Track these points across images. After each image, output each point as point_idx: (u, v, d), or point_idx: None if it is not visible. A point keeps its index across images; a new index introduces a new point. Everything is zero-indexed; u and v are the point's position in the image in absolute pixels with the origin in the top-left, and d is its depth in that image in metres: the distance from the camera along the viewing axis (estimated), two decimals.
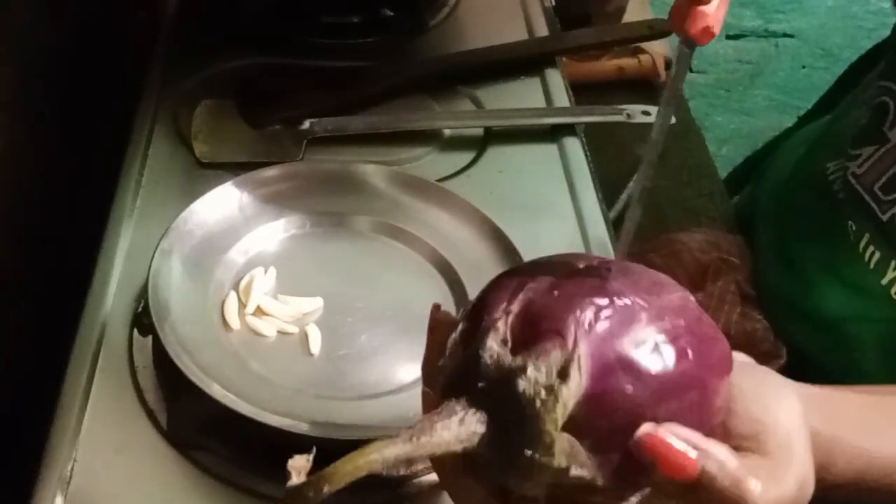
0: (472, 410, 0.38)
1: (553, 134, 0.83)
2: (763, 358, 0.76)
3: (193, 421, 0.59)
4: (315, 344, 0.63)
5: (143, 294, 0.65)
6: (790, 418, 0.42)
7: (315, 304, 0.66)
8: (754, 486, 0.38)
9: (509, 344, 0.38)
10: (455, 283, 0.68)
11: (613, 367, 0.37)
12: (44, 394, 0.62)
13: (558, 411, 0.36)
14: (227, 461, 0.58)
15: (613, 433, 0.37)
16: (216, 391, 0.57)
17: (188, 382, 0.57)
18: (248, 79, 0.86)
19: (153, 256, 0.65)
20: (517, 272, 0.42)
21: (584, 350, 0.37)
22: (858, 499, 0.48)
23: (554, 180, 0.79)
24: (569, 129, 0.83)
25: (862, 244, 0.68)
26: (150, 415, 0.60)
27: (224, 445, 0.59)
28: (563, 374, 0.36)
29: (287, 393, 0.60)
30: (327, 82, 0.85)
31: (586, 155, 0.82)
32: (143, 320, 0.65)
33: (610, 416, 0.37)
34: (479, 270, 0.67)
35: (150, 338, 0.64)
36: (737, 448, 0.40)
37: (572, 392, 0.36)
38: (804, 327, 0.75)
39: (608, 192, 0.87)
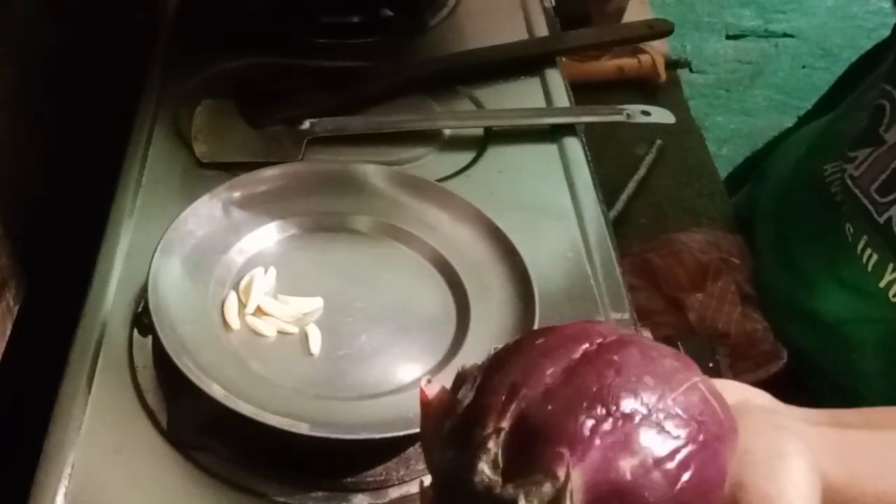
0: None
1: (553, 134, 0.83)
2: (763, 358, 0.76)
3: (193, 421, 0.59)
4: (315, 344, 0.63)
5: (143, 294, 0.65)
6: (798, 486, 0.41)
7: (315, 304, 0.66)
8: None
9: (500, 467, 0.37)
10: (455, 283, 0.68)
11: (608, 500, 0.36)
12: (44, 394, 0.62)
13: None
14: (227, 461, 0.58)
15: None
16: (216, 391, 0.57)
17: (188, 382, 0.57)
18: (248, 79, 0.85)
19: (153, 256, 0.65)
20: (512, 361, 0.40)
21: (577, 481, 0.36)
22: None
23: (554, 180, 0.79)
24: (569, 129, 0.83)
25: (860, 246, 0.68)
26: (150, 415, 0.60)
27: (224, 445, 0.59)
28: None
29: (287, 393, 0.60)
30: (327, 82, 0.85)
31: (586, 155, 0.82)
32: (143, 320, 0.65)
33: None
34: (479, 270, 0.67)
35: (150, 338, 0.64)
36: None
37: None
38: (804, 328, 0.75)
39: (608, 192, 0.87)
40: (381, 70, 0.87)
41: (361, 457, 0.59)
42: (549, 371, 0.39)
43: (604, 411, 0.37)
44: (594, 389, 0.37)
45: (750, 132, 1.99)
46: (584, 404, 0.37)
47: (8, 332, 0.74)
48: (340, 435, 0.56)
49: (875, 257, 0.66)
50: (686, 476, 0.37)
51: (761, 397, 0.46)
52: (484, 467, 0.37)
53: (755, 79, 2.12)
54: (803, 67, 2.15)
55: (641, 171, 1.08)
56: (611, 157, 1.06)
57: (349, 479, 0.58)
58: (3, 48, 0.74)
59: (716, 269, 0.80)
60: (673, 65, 1.25)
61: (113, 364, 0.63)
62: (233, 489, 0.57)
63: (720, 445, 0.39)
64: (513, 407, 0.38)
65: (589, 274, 0.71)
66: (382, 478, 0.58)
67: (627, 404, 0.37)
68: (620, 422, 0.37)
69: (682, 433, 0.37)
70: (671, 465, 0.37)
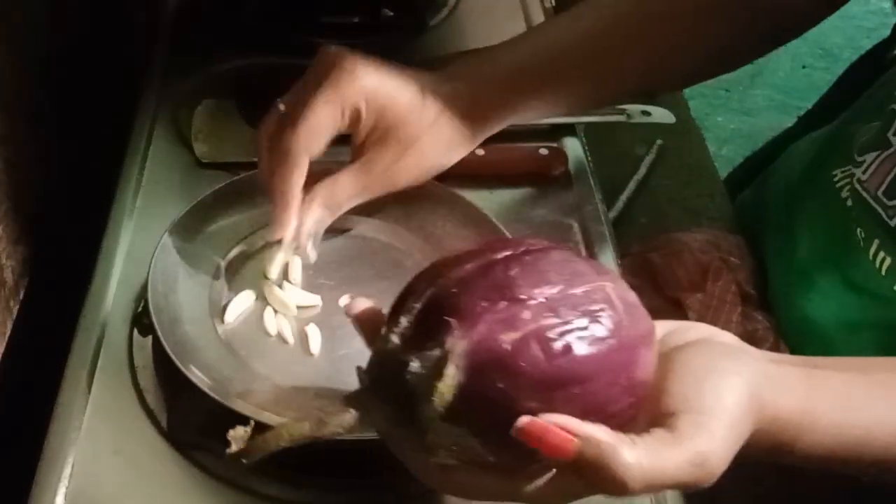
0: (373, 399, 0.43)
1: (553, 134, 0.83)
2: None
3: (193, 421, 0.59)
4: (315, 344, 0.63)
5: (143, 294, 0.65)
6: (722, 401, 0.42)
7: (313, 300, 0.66)
8: (627, 456, 0.40)
9: (407, 337, 0.43)
10: None
11: (487, 365, 0.40)
12: (44, 394, 0.62)
13: (436, 400, 0.41)
14: (227, 461, 0.58)
15: (496, 423, 0.40)
16: (216, 391, 0.57)
17: (188, 382, 0.57)
18: (248, 79, 0.85)
19: (153, 256, 0.65)
20: (446, 262, 0.45)
21: (461, 348, 0.41)
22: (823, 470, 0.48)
23: (554, 180, 0.79)
24: (569, 129, 0.83)
25: (872, 250, 0.67)
26: (150, 415, 0.60)
27: (224, 445, 0.58)
28: (440, 369, 0.41)
29: (287, 393, 0.60)
30: None
31: (586, 155, 0.82)
32: (143, 320, 0.65)
33: (484, 407, 0.41)
34: None
35: (150, 338, 0.64)
36: (657, 424, 0.42)
37: (448, 384, 0.40)
38: (812, 338, 0.75)
39: (608, 192, 0.87)
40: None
41: (361, 457, 0.58)
42: (468, 266, 0.43)
43: (499, 296, 0.41)
44: (498, 278, 0.42)
45: (750, 132, 1.99)
46: (484, 289, 0.41)
47: (8, 333, 0.74)
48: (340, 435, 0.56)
49: (888, 261, 0.66)
50: (567, 357, 0.40)
51: (727, 336, 0.48)
52: (393, 337, 0.43)
53: (755, 79, 2.11)
54: (803, 67, 2.15)
55: (641, 171, 1.08)
56: (611, 157, 1.05)
57: (349, 479, 0.58)
58: (3, 48, 0.74)
59: (716, 270, 0.80)
60: None
61: (113, 364, 0.63)
62: (233, 489, 0.57)
63: (616, 342, 0.42)
64: (428, 291, 0.43)
65: None
66: (382, 477, 0.58)
67: (524, 292, 0.41)
68: (513, 305, 0.41)
69: (572, 320, 0.41)
70: (552, 344, 0.40)
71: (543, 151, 0.79)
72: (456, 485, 0.45)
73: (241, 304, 0.66)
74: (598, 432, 0.40)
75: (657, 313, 0.47)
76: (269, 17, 0.92)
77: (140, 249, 0.69)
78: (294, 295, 0.66)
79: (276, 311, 0.66)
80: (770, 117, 2.03)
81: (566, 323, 0.41)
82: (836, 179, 0.73)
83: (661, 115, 0.84)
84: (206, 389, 0.57)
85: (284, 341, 0.64)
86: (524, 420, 0.40)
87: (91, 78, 0.92)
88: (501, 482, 0.44)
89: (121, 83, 0.91)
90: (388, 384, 0.43)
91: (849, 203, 0.70)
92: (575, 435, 0.40)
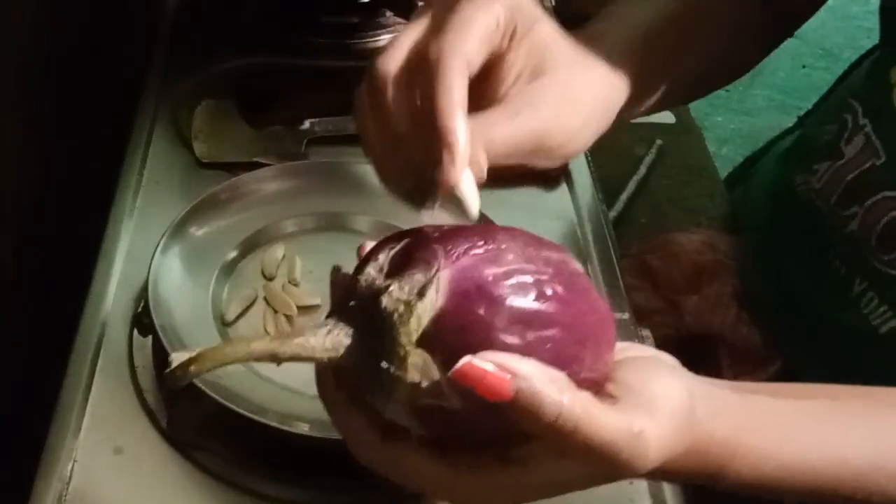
0: (341, 325, 0.41)
1: None
2: (759, 360, 0.76)
3: (193, 421, 0.59)
4: None
5: (143, 294, 0.65)
6: (667, 392, 0.42)
7: (313, 300, 0.66)
8: (564, 397, 0.38)
9: (385, 271, 0.42)
10: None
11: (469, 291, 0.40)
12: (44, 394, 0.62)
13: (412, 325, 0.39)
14: (227, 461, 0.58)
15: (463, 351, 0.39)
16: (216, 391, 0.57)
17: (188, 382, 0.57)
18: (248, 79, 0.86)
19: (153, 256, 0.65)
20: (420, 229, 0.45)
21: (445, 275, 0.40)
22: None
23: (554, 180, 0.79)
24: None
25: (829, 257, 0.68)
26: (150, 415, 0.60)
27: (224, 445, 0.59)
28: (421, 292, 0.40)
29: (287, 393, 0.60)
30: (327, 82, 0.85)
31: (586, 155, 0.82)
32: (143, 320, 0.65)
33: (460, 333, 0.39)
34: None
35: (150, 338, 0.64)
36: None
37: (427, 307, 0.39)
38: (790, 333, 0.75)
39: (608, 192, 0.87)
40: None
41: None
42: (445, 227, 0.43)
43: (482, 242, 0.41)
44: (478, 231, 0.42)
45: (750, 132, 1.99)
46: (465, 237, 0.41)
47: (8, 333, 0.74)
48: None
49: (843, 269, 0.66)
50: (548, 299, 0.40)
51: (671, 358, 0.47)
52: (370, 270, 0.42)
53: (755, 79, 2.11)
54: (803, 67, 2.15)
55: (641, 171, 1.08)
56: (611, 157, 1.05)
57: (349, 480, 0.58)
58: (3, 48, 0.74)
59: (711, 272, 0.80)
60: None
61: (113, 364, 0.63)
62: (233, 489, 0.57)
63: (592, 305, 0.42)
64: (407, 238, 0.43)
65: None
66: (382, 478, 0.58)
67: (504, 243, 0.42)
68: (496, 249, 0.41)
69: (552, 272, 0.41)
70: (535, 285, 0.40)
71: None
72: (404, 472, 0.43)
73: (241, 304, 0.66)
74: (537, 370, 0.39)
75: (655, 314, 0.47)
76: (269, 17, 0.92)
77: (140, 249, 0.69)
78: (294, 295, 0.66)
79: (275, 311, 0.66)
80: (770, 117, 2.03)
81: (546, 273, 0.41)
82: (797, 185, 0.73)
83: (661, 115, 0.84)
84: (206, 389, 0.57)
85: None
86: (464, 360, 0.38)
87: (91, 78, 0.92)
88: (448, 470, 0.42)
89: (121, 83, 0.91)
90: (362, 310, 0.41)
91: (808, 209, 0.70)
92: (512, 374, 0.38)
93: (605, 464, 0.40)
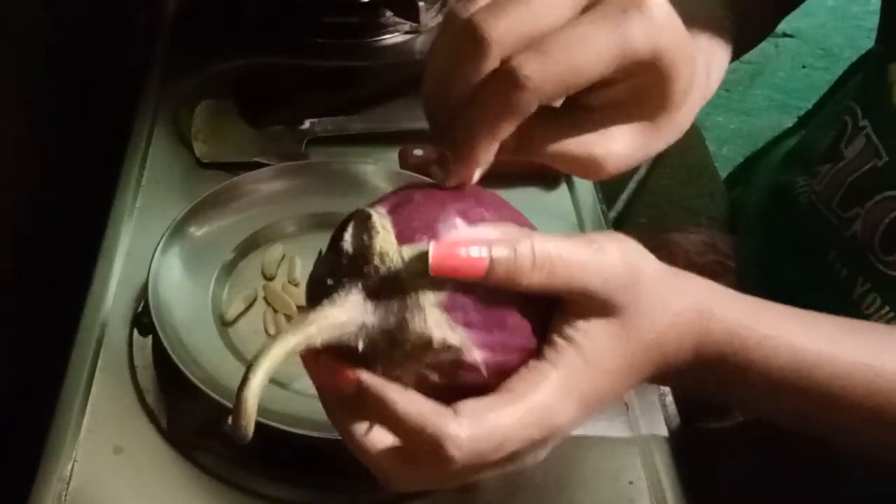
0: (341, 291, 0.40)
1: None
2: None
3: (193, 421, 0.59)
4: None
5: (143, 294, 0.65)
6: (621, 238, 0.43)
7: None
8: (451, 428, 0.38)
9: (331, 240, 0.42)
10: None
11: (406, 195, 0.42)
12: (44, 394, 0.62)
13: (380, 234, 0.40)
14: (227, 461, 0.58)
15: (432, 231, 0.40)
16: (216, 391, 0.57)
17: (188, 382, 0.57)
18: (248, 79, 0.86)
19: (153, 256, 0.65)
20: None
21: (379, 206, 0.41)
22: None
23: (554, 180, 0.79)
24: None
25: (830, 259, 0.68)
26: (150, 415, 0.60)
27: (224, 445, 0.59)
28: (366, 218, 0.40)
29: (287, 393, 0.60)
30: (327, 82, 0.85)
31: None
32: (143, 320, 0.65)
33: (420, 218, 0.41)
34: None
35: (150, 338, 0.64)
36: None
37: (380, 222, 0.40)
38: None
39: (608, 192, 0.87)
40: (381, 70, 0.87)
41: None
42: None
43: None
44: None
45: (750, 132, 1.99)
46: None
47: (8, 333, 0.74)
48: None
49: (844, 271, 0.66)
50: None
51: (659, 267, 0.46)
52: (322, 256, 0.42)
53: (755, 79, 2.11)
54: (803, 67, 2.15)
55: (641, 171, 1.08)
56: None
57: (349, 480, 0.58)
58: (3, 48, 0.74)
59: (711, 272, 0.80)
60: None
61: (113, 364, 0.63)
62: (233, 489, 0.57)
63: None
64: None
65: None
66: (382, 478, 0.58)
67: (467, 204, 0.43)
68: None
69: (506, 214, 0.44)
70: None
71: None
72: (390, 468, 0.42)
73: (241, 304, 0.66)
74: (419, 406, 0.39)
75: None
76: (269, 17, 0.92)
77: (140, 249, 0.69)
78: (294, 295, 0.66)
79: (275, 311, 0.66)
80: (770, 117, 2.02)
81: (501, 209, 0.44)
82: (797, 187, 0.73)
83: None
84: (206, 389, 0.57)
85: None
86: (432, 247, 0.38)
87: (91, 78, 0.92)
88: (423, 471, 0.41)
89: (121, 83, 0.92)
90: (337, 269, 0.41)
91: (807, 212, 0.70)
92: (395, 414, 0.39)
93: (584, 290, 0.40)
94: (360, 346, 0.40)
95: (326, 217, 0.72)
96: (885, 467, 0.49)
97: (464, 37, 0.39)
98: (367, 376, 0.40)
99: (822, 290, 0.69)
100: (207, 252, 0.68)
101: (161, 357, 0.61)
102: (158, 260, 0.65)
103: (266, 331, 0.64)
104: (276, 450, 0.58)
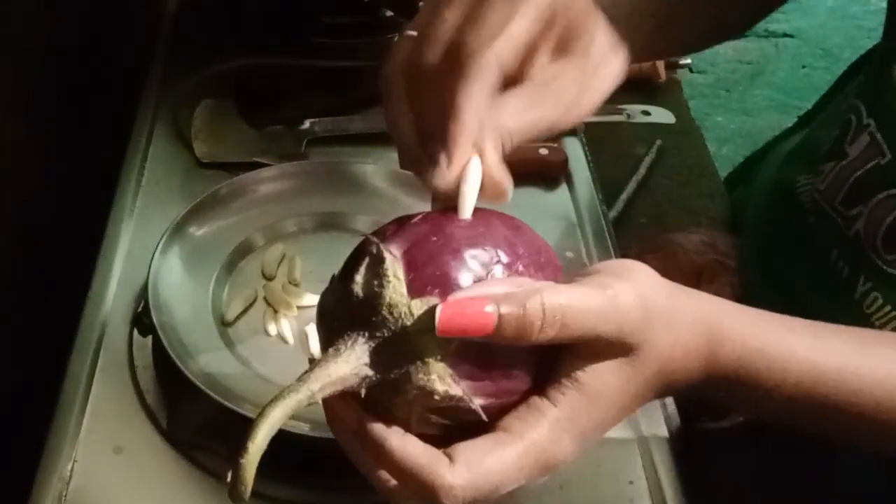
0: (346, 341, 0.40)
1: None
2: None
3: (193, 421, 0.59)
4: (315, 344, 0.63)
5: (143, 294, 0.65)
6: (633, 269, 0.43)
7: (313, 300, 0.66)
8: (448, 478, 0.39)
9: (340, 276, 0.43)
10: None
11: (420, 238, 0.42)
12: (44, 394, 0.62)
13: (392, 284, 0.40)
14: (227, 461, 0.58)
15: (445, 272, 0.41)
16: (216, 391, 0.57)
17: (188, 382, 0.57)
18: (249, 79, 0.86)
19: (153, 256, 0.65)
20: None
21: (392, 244, 0.42)
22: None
23: (554, 180, 0.79)
24: (569, 129, 0.83)
25: (832, 258, 0.68)
26: (150, 415, 0.60)
27: (224, 445, 0.59)
28: (379, 259, 0.41)
29: None
30: (327, 82, 0.85)
31: (586, 155, 0.82)
32: (143, 320, 0.65)
33: (433, 262, 0.41)
34: None
35: (150, 338, 0.64)
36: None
37: (392, 265, 0.40)
38: None
39: (608, 192, 0.87)
40: (381, 70, 0.87)
41: None
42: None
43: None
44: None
45: (750, 132, 1.99)
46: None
47: (8, 333, 0.74)
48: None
49: (847, 270, 0.66)
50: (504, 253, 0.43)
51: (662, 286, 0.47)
52: (330, 289, 0.43)
53: (755, 79, 2.11)
54: (803, 67, 2.15)
55: (641, 171, 1.08)
56: (611, 157, 1.05)
57: (349, 480, 0.58)
58: (3, 48, 0.74)
59: (710, 272, 0.79)
60: (673, 65, 1.25)
61: (113, 364, 0.63)
62: None
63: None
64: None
65: None
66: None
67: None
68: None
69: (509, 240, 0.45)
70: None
71: (543, 151, 0.79)
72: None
73: (241, 304, 0.66)
74: (415, 454, 0.40)
75: None
76: (270, 16, 0.92)
77: (140, 249, 0.69)
78: (294, 295, 0.66)
79: (276, 311, 0.66)
80: (770, 117, 2.02)
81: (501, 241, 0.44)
82: (798, 186, 0.73)
83: (661, 115, 0.84)
84: (206, 389, 0.57)
85: (284, 341, 0.64)
86: (439, 307, 0.38)
87: (91, 78, 0.92)
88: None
89: (121, 83, 0.92)
90: (358, 316, 0.41)
91: (809, 210, 0.70)
92: (392, 460, 0.40)
93: (597, 338, 0.40)
94: (363, 392, 0.40)
95: (326, 217, 0.72)
96: (887, 463, 0.49)
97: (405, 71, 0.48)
98: (366, 421, 0.41)
99: (823, 289, 0.69)
100: (207, 252, 0.68)
101: (161, 357, 0.61)
102: (158, 260, 0.65)
103: (266, 331, 0.64)
104: (276, 450, 0.58)
